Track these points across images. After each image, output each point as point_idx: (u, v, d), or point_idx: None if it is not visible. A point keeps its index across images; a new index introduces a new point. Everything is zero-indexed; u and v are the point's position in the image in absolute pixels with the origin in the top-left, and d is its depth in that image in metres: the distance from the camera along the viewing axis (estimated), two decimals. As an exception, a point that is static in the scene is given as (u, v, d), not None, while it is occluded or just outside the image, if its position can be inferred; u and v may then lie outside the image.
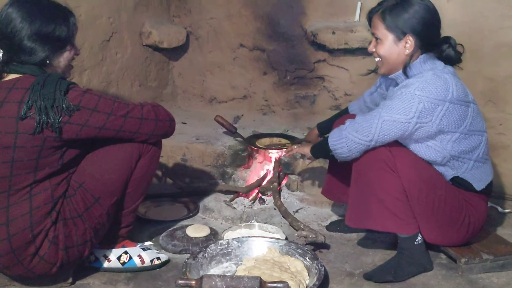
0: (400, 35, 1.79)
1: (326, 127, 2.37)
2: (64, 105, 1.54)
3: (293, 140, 2.76)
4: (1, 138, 1.55)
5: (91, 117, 1.60)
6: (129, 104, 1.71)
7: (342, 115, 2.30)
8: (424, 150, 1.81)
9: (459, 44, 1.84)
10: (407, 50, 1.80)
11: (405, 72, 1.84)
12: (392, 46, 1.82)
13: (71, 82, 1.63)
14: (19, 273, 1.65)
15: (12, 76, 1.62)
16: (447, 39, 1.83)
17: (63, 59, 1.69)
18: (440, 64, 1.82)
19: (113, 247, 1.87)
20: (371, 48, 1.89)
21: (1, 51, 1.61)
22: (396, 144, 1.82)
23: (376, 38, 1.85)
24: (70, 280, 1.77)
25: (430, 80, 1.74)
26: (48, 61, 1.63)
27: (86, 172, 1.70)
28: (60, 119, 1.55)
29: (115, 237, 1.87)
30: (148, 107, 1.75)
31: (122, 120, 1.66)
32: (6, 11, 1.60)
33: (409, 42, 1.79)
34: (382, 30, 1.82)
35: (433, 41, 1.80)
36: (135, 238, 2.09)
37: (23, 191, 1.59)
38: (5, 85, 1.60)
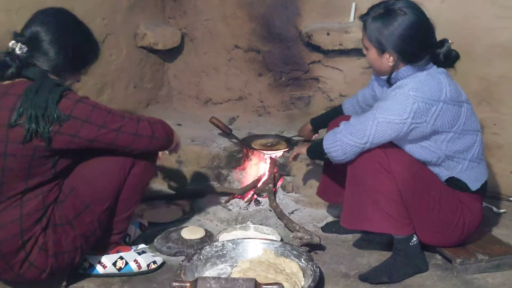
0: (381, 50, 1.80)
1: (319, 123, 2.40)
2: (55, 115, 1.50)
3: (288, 141, 2.77)
4: None
5: (82, 128, 1.55)
6: (125, 116, 1.64)
7: (336, 112, 2.31)
8: (419, 150, 1.82)
9: (454, 50, 1.84)
10: (390, 63, 1.81)
11: (389, 81, 1.86)
12: (376, 57, 1.84)
13: (66, 88, 1.57)
14: (10, 278, 1.64)
15: (12, 81, 1.59)
16: (442, 43, 1.82)
17: (69, 79, 1.69)
18: (432, 65, 1.83)
19: (107, 253, 1.85)
20: (364, 51, 1.90)
21: (26, 47, 1.57)
22: (391, 145, 1.82)
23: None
24: (64, 284, 1.77)
25: (424, 81, 1.75)
26: (58, 74, 1.61)
27: (78, 178, 1.67)
28: (50, 128, 1.51)
29: (108, 243, 1.85)
30: (144, 122, 1.68)
31: (114, 135, 1.61)
32: (48, 12, 1.62)
33: (390, 58, 1.80)
34: (366, 41, 1.84)
35: (416, 54, 1.79)
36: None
37: (14, 198, 1.57)
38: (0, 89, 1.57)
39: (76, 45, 1.65)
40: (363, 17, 1.84)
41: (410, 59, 1.79)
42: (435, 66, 1.82)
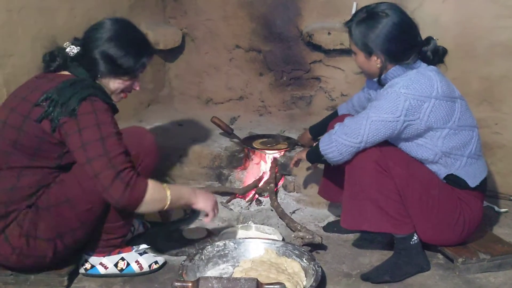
0: (368, 53, 1.82)
1: (318, 130, 2.40)
2: (71, 107, 1.56)
3: (289, 141, 2.77)
4: (16, 118, 1.62)
5: (74, 134, 1.57)
6: (109, 153, 1.55)
7: (332, 117, 2.31)
8: (415, 148, 1.82)
9: (440, 46, 1.85)
10: (378, 65, 1.83)
11: (379, 82, 1.87)
12: (364, 61, 1.86)
13: (96, 93, 1.62)
14: None
15: (62, 73, 1.71)
16: (428, 41, 1.84)
17: (112, 83, 1.74)
18: (422, 64, 1.83)
19: (109, 254, 1.84)
20: (353, 56, 1.92)
21: (79, 48, 1.71)
22: (388, 144, 1.83)
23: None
24: (66, 283, 1.76)
25: (414, 78, 1.76)
26: (99, 76, 1.71)
27: (71, 172, 1.66)
28: (60, 117, 1.57)
29: (109, 246, 1.84)
30: (109, 172, 1.54)
31: (84, 161, 1.56)
32: (104, 21, 1.74)
33: (378, 60, 1.82)
34: (353, 46, 1.87)
35: (402, 53, 1.80)
36: (131, 240, 2.08)
37: (15, 170, 1.62)
38: (49, 76, 1.69)
39: (116, 54, 1.70)
40: (347, 23, 1.88)
41: (396, 58, 1.81)
42: (424, 64, 1.84)
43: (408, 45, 1.81)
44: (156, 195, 1.64)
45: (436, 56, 1.85)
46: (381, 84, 1.87)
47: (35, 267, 1.72)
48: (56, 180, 1.67)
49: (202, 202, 1.78)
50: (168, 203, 1.67)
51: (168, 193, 1.67)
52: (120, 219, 1.77)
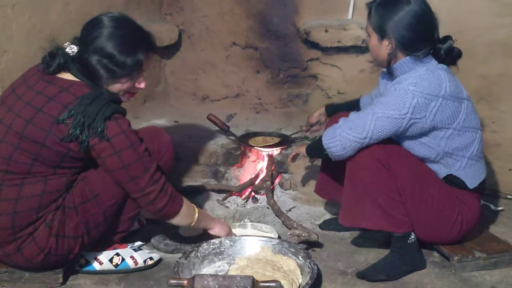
0: (381, 36, 1.81)
1: (333, 110, 2.30)
2: (99, 128, 1.56)
3: (286, 138, 2.76)
4: (35, 132, 1.58)
5: (111, 157, 1.61)
6: (149, 170, 1.65)
7: (353, 103, 2.26)
8: (417, 147, 1.82)
9: (456, 47, 1.84)
10: (388, 50, 1.82)
11: (389, 71, 1.85)
12: (376, 44, 1.84)
13: (118, 110, 1.62)
14: (8, 252, 1.65)
15: (68, 77, 1.65)
16: (445, 39, 1.83)
17: (111, 87, 1.68)
18: (433, 61, 1.82)
19: (104, 250, 1.85)
20: (367, 39, 1.91)
21: (77, 48, 1.66)
22: (390, 142, 1.82)
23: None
24: (61, 280, 1.76)
25: (423, 76, 1.75)
26: (99, 83, 1.65)
27: (93, 169, 1.70)
28: (90, 139, 1.57)
29: (109, 241, 1.86)
30: (154, 187, 1.67)
31: (127, 179, 1.64)
32: (101, 18, 1.68)
33: (389, 45, 1.80)
34: (369, 28, 1.86)
35: (415, 43, 1.79)
36: (127, 237, 2.07)
37: (40, 177, 1.62)
38: (60, 83, 1.63)
39: (109, 58, 1.63)
40: (369, 4, 1.87)
41: (408, 48, 1.79)
42: (435, 62, 1.82)
43: (422, 37, 1.79)
44: (189, 211, 1.81)
45: (449, 56, 1.83)
46: (390, 73, 1.86)
47: (58, 264, 1.74)
48: (78, 178, 1.70)
49: (218, 228, 1.93)
50: (195, 220, 1.82)
51: (197, 211, 1.83)
52: (131, 211, 1.82)
